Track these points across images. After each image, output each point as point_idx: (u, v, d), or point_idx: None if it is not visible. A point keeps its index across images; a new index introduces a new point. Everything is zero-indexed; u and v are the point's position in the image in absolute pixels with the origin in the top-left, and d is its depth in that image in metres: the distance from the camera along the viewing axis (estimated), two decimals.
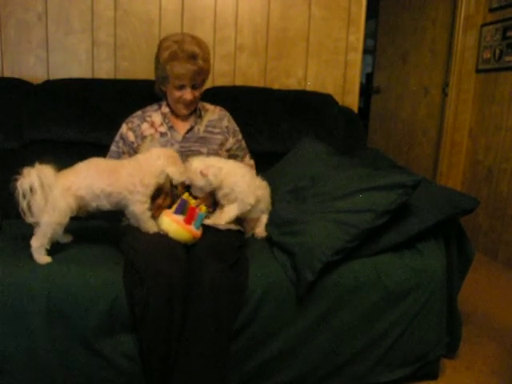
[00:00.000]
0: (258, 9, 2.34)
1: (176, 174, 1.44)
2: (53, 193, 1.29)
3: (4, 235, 1.53)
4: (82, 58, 2.25)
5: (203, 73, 1.62)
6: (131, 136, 1.67)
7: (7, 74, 2.20)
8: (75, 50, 2.24)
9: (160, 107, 1.73)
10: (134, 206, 1.38)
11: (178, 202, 1.44)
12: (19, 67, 2.21)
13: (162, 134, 1.68)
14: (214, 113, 1.78)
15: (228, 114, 1.82)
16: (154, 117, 1.70)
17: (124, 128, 1.70)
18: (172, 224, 1.39)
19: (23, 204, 1.25)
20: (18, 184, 1.24)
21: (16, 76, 2.16)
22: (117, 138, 1.71)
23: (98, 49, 2.25)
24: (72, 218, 1.41)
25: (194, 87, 1.62)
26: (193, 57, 1.57)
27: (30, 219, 1.28)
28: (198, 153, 1.66)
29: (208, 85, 2.27)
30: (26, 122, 1.96)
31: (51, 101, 1.99)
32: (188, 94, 1.61)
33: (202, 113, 1.74)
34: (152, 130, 1.68)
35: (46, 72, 2.23)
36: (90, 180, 1.35)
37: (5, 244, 1.44)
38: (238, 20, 2.34)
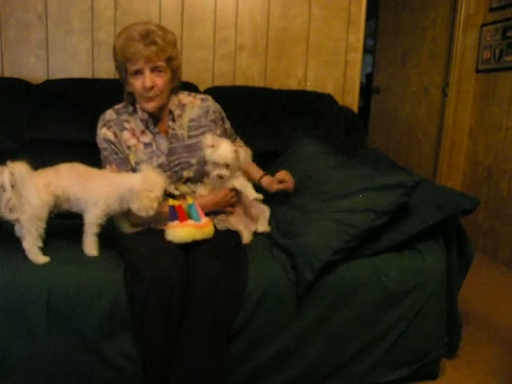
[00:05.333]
0: (258, 9, 2.34)
1: (140, 210, 1.35)
2: (26, 189, 1.29)
3: (4, 235, 1.53)
4: (82, 58, 2.25)
5: (163, 53, 1.41)
6: (120, 141, 1.51)
7: (7, 74, 2.20)
8: (75, 50, 2.24)
9: (135, 111, 1.54)
10: (88, 214, 1.37)
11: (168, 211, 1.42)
12: (19, 67, 2.21)
13: (146, 145, 1.52)
14: (193, 107, 1.60)
15: (210, 101, 1.63)
16: (132, 122, 1.53)
17: (109, 134, 1.49)
18: (172, 232, 1.38)
19: None
20: None
21: (16, 76, 2.16)
22: (108, 150, 1.49)
23: (98, 49, 2.25)
24: (72, 218, 1.41)
25: (154, 70, 1.42)
26: (147, 35, 1.39)
27: (8, 216, 1.30)
28: (188, 164, 1.56)
29: (208, 85, 2.29)
30: (26, 122, 1.96)
31: (51, 101, 1.99)
32: (146, 80, 1.40)
33: (176, 113, 1.56)
34: (134, 140, 1.51)
35: (46, 72, 2.23)
36: (68, 182, 1.36)
37: (5, 244, 1.44)
38: (238, 20, 2.34)
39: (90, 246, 1.39)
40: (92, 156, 1.93)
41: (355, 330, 1.43)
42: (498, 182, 2.75)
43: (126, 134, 1.52)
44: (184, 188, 1.59)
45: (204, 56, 2.34)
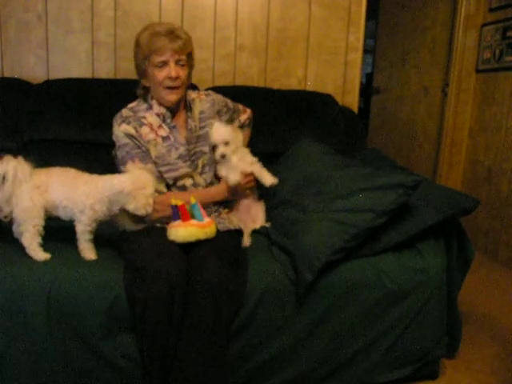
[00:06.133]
0: (258, 9, 2.34)
1: (138, 209, 1.35)
2: (21, 188, 1.31)
3: (4, 235, 1.53)
4: (82, 57, 2.25)
5: (185, 48, 1.54)
6: (141, 135, 1.55)
7: (7, 74, 2.20)
8: (75, 50, 2.24)
9: (151, 107, 1.59)
10: (77, 223, 1.38)
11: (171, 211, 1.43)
12: (19, 67, 2.21)
13: (164, 139, 1.58)
14: (201, 101, 1.70)
15: (213, 94, 1.76)
16: (149, 118, 1.58)
17: (129, 129, 1.53)
18: (174, 231, 1.38)
19: None
20: None
21: (16, 76, 2.16)
22: (130, 145, 1.51)
23: (98, 49, 2.25)
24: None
25: (177, 63, 1.52)
26: (171, 31, 1.51)
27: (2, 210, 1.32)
28: (202, 153, 1.64)
29: (208, 85, 2.29)
30: (26, 122, 1.96)
31: (51, 101, 1.99)
32: (172, 70, 1.50)
33: (191, 104, 1.67)
34: (153, 135, 1.56)
35: (46, 72, 2.23)
36: (56, 187, 1.36)
37: (5, 244, 1.44)
38: (238, 20, 2.34)
39: (87, 251, 1.39)
40: (91, 156, 1.95)
41: (355, 330, 1.43)
42: (498, 182, 2.75)
43: (146, 129, 1.56)
44: (200, 180, 1.63)
45: (204, 56, 2.34)
